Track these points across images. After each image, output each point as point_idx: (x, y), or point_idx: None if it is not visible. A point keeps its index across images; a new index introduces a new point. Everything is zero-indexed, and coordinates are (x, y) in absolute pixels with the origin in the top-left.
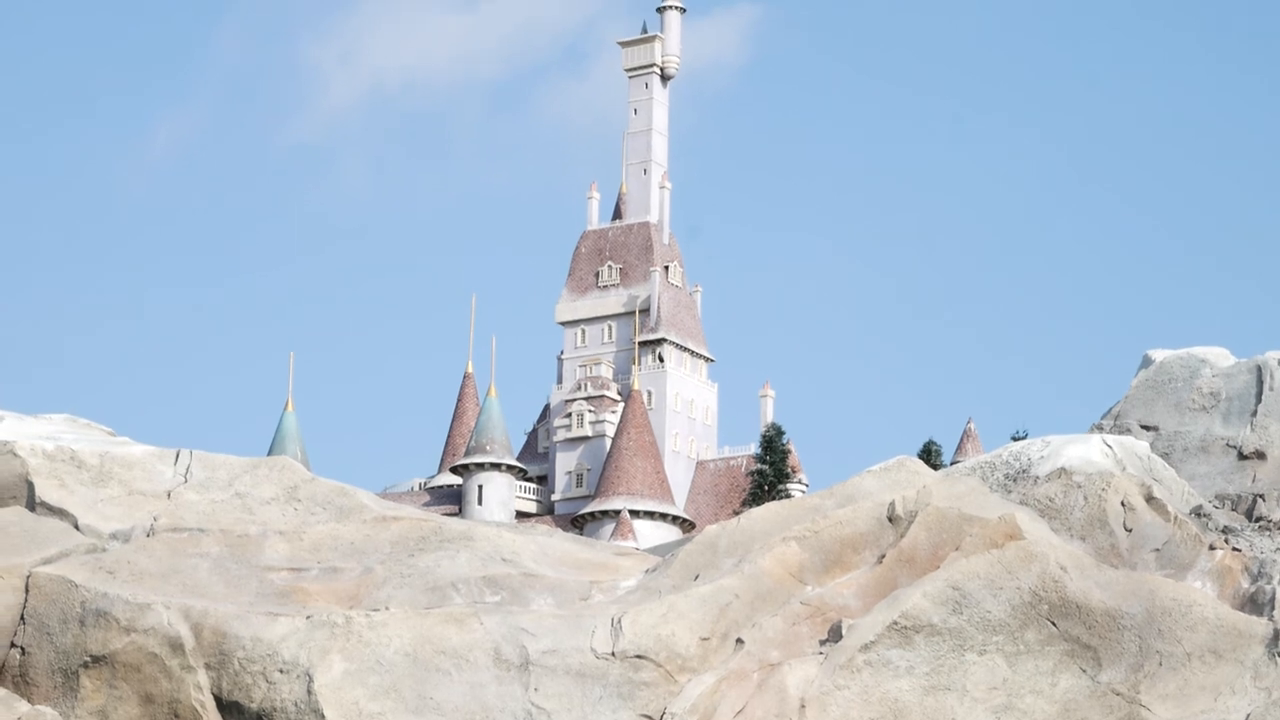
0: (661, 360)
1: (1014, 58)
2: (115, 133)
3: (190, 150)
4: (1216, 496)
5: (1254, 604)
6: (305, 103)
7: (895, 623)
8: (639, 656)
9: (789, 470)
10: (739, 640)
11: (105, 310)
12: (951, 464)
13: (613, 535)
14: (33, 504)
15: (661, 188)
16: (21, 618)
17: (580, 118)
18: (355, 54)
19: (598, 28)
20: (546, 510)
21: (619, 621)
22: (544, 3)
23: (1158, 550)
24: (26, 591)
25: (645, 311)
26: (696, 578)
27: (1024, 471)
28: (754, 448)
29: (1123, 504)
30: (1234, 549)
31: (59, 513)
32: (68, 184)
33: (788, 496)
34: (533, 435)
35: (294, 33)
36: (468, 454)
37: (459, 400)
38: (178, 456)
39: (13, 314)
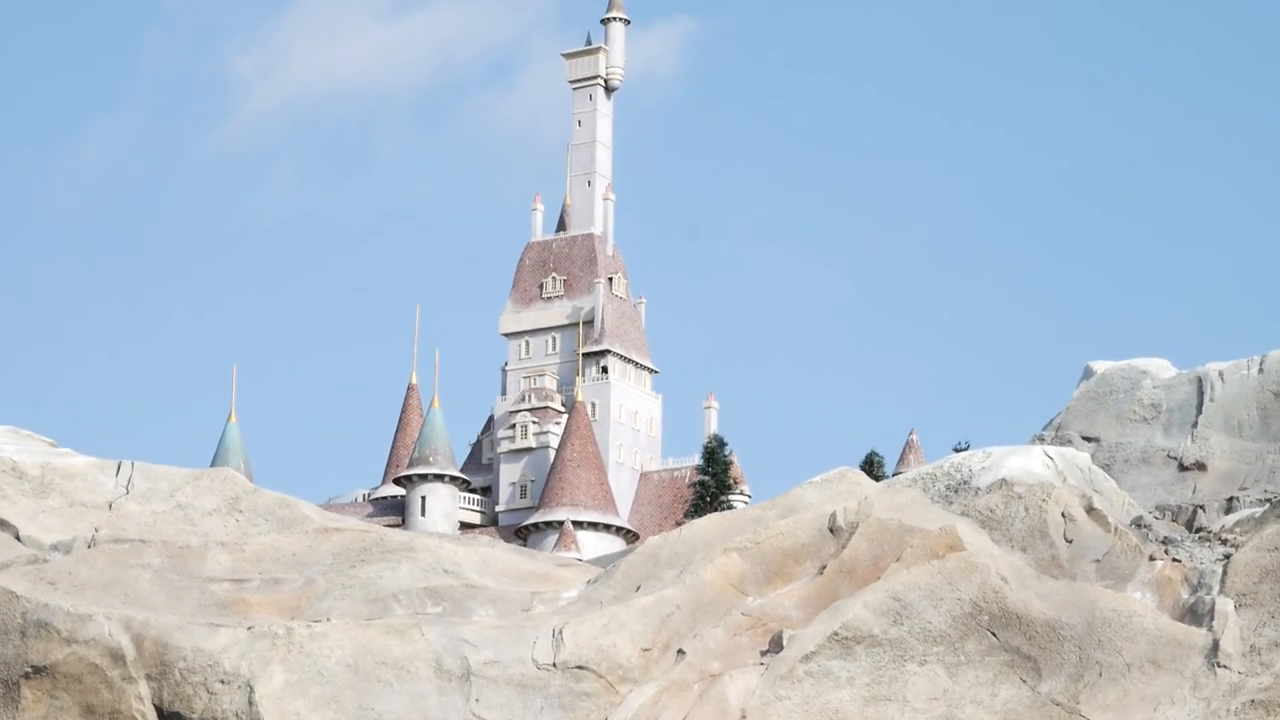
0: (605, 372)
1: (954, 65)
2: (46, 144)
3: (120, 161)
4: (1157, 507)
5: (1194, 615)
6: (230, 112)
7: (836, 633)
8: (580, 667)
9: (731, 481)
10: (680, 651)
11: (44, 321)
12: (894, 475)
13: (556, 546)
14: None
15: (605, 199)
16: None
17: (510, 130)
18: (280, 64)
19: (528, 41)
20: (490, 521)
21: (560, 632)
22: (471, 17)
23: (1098, 561)
24: None
25: (589, 323)
26: (638, 589)
27: (965, 483)
28: (697, 459)
29: (1063, 515)
30: (1174, 560)
31: (0, 524)
32: None
33: (730, 508)
34: (477, 447)
35: (221, 43)
36: (411, 465)
37: (403, 412)
38: (119, 468)
39: None
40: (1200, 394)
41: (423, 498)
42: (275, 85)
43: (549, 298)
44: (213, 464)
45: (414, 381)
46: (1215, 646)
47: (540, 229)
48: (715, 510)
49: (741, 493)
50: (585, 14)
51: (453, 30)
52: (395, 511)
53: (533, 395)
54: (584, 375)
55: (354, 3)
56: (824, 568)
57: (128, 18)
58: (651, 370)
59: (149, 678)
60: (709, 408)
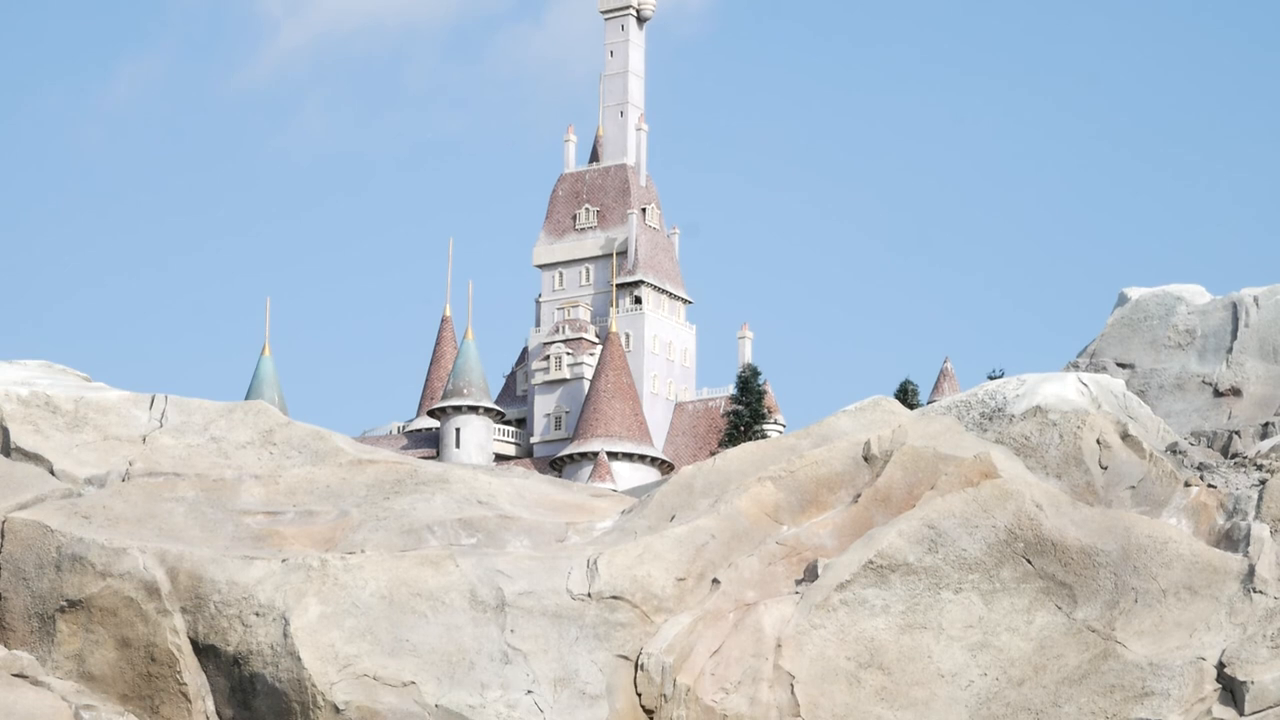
0: (639, 302)
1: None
2: (78, 82)
3: (151, 98)
4: (1192, 433)
5: (1229, 540)
6: (260, 48)
7: (871, 562)
8: (615, 597)
9: (765, 411)
10: (715, 580)
11: (78, 257)
12: (928, 403)
13: (591, 477)
14: (8, 449)
15: (638, 130)
16: None
17: (541, 62)
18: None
19: None
20: (525, 453)
21: (595, 563)
22: None
23: (1133, 488)
24: (2, 536)
25: (623, 254)
26: (672, 518)
27: (999, 410)
28: (732, 389)
29: (1098, 442)
30: (1209, 486)
31: (34, 458)
32: (33, 137)
33: (764, 437)
34: (511, 378)
35: None
36: (445, 397)
37: (437, 344)
38: (153, 401)
39: None
40: (1235, 319)
41: (457, 429)
42: (304, 21)
43: (582, 229)
44: (247, 397)
45: (448, 314)
46: (1251, 572)
47: (573, 160)
48: (749, 440)
49: (776, 422)
50: None
51: None
52: (430, 443)
53: (567, 326)
54: (618, 306)
55: None
56: (858, 496)
57: None
58: (685, 300)
59: (184, 610)
60: (743, 338)
